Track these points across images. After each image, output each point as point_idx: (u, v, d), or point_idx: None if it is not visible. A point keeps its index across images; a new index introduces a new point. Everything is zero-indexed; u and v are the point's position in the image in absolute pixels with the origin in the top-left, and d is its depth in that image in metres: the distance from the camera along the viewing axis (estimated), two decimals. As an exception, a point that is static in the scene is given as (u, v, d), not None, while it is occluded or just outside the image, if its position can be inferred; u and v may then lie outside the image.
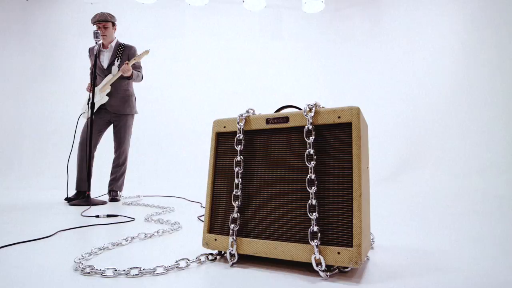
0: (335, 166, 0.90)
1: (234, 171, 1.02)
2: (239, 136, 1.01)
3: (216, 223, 1.03)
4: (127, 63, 2.71)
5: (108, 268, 0.92)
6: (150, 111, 5.00)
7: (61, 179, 4.52)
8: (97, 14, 2.83)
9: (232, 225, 0.97)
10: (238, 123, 1.02)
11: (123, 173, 2.87)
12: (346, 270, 0.92)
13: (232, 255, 0.96)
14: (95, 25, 2.86)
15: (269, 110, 5.10)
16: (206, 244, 1.02)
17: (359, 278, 0.88)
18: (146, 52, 2.83)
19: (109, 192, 2.81)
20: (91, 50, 2.96)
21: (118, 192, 2.83)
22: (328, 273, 0.87)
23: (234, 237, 0.96)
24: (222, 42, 5.20)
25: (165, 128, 5.01)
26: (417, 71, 4.52)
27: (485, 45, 3.78)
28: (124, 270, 0.90)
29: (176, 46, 5.10)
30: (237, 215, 0.97)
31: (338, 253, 0.85)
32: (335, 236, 0.87)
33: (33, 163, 4.64)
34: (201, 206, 2.46)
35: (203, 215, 2.00)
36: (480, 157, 3.54)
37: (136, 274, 0.90)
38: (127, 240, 1.29)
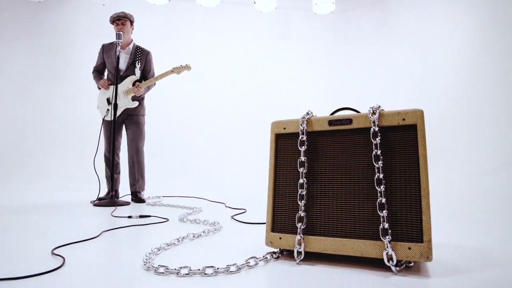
0: (402, 166, 0.94)
1: (298, 171, 1.05)
2: (302, 138, 1.04)
3: (279, 222, 1.06)
4: (139, 86, 2.77)
5: (182, 267, 0.95)
6: (159, 112, 5.00)
7: (70, 180, 4.52)
8: (116, 13, 2.84)
9: (299, 224, 1.00)
10: (301, 124, 1.05)
11: (142, 173, 2.87)
12: (410, 265, 0.96)
13: (299, 253, 0.99)
14: (114, 24, 2.84)
15: (277, 110, 5.13)
16: (270, 242, 1.05)
17: (426, 273, 0.92)
18: (188, 67, 2.89)
19: (133, 193, 2.81)
20: (105, 47, 2.92)
21: (141, 191, 2.84)
22: (398, 268, 0.91)
23: (302, 235, 0.99)
24: (233, 43, 5.22)
25: (174, 128, 5.02)
26: (426, 72, 4.58)
27: (494, 46, 3.84)
28: (199, 270, 0.93)
29: (187, 47, 5.11)
30: (303, 214, 1.01)
31: (409, 248, 0.88)
32: (405, 232, 0.90)
33: (40, 164, 4.62)
34: (226, 206, 2.48)
35: (236, 215, 2.03)
36: (493, 156, 3.60)
37: (211, 273, 0.92)
38: (178, 241, 1.31)
